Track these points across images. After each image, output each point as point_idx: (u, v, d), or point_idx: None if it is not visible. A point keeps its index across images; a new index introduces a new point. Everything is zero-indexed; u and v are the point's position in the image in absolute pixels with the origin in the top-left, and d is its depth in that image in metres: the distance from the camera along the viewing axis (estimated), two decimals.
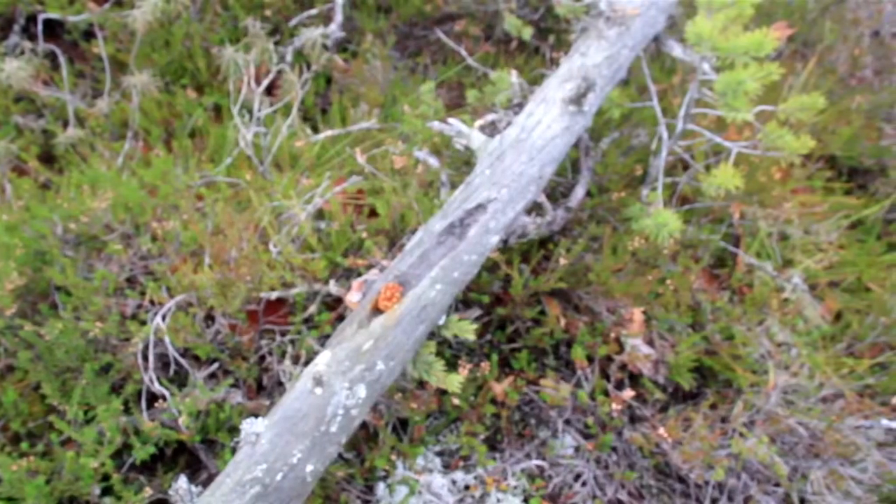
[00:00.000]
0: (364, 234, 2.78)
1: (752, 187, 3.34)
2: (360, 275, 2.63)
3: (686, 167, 3.59)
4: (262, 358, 2.86)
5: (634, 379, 3.03)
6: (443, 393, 2.90)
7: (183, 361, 2.63)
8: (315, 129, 3.64)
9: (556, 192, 3.39)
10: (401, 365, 2.27)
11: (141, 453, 2.42)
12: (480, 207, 2.47)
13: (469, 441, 2.73)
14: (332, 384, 2.13)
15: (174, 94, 3.98)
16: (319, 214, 3.14)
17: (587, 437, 2.93)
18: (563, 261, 2.68)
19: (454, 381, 2.40)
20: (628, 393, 2.65)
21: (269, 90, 4.03)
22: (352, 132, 3.46)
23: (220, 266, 2.62)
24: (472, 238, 2.43)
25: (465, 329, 2.44)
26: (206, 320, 2.72)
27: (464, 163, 3.19)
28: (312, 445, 2.07)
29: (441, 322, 2.40)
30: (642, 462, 2.97)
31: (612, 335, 3.06)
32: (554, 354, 3.08)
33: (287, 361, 2.80)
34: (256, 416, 2.55)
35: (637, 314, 3.14)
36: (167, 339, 2.60)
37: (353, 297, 2.40)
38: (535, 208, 2.89)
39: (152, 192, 3.17)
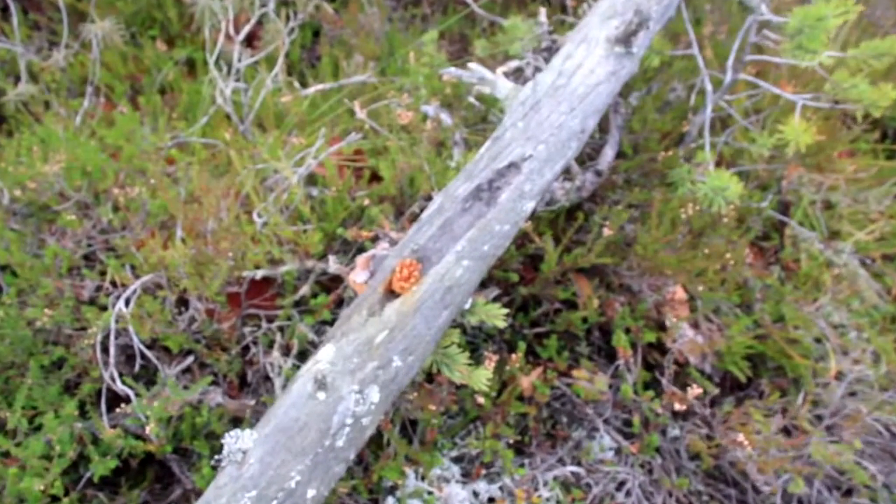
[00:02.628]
0: (366, 202, 2.33)
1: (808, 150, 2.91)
2: (362, 250, 2.18)
3: (725, 126, 3.15)
4: (246, 349, 2.42)
5: (678, 368, 2.61)
6: (458, 387, 2.48)
7: (150, 355, 2.17)
8: (304, 85, 3.16)
9: (581, 153, 2.94)
10: (420, 360, 1.83)
11: (99, 468, 1.97)
12: (513, 167, 2.02)
13: (492, 445, 2.30)
14: (338, 387, 1.69)
15: (141, 48, 3.48)
16: (311, 180, 2.68)
17: (628, 437, 2.51)
18: (607, 231, 2.24)
19: (481, 378, 1.96)
20: (694, 391, 2.22)
21: (250, 42, 3.55)
22: (346, 87, 2.99)
23: (194, 240, 2.16)
24: (504, 204, 1.98)
25: (495, 314, 2.01)
26: (179, 305, 2.26)
27: (480, 119, 2.74)
28: (314, 465, 1.63)
29: (467, 306, 1.96)
30: (688, 465, 2.56)
31: (655, 318, 2.64)
32: (586, 341, 2.64)
33: (275, 353, 2.36)
34: (240, 419, 2.11)
35: (680, 293, 2.72)
36: (131, 329, 2.14)
37: (358, 277, 1.95)
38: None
39: (115, 155, 2.69)
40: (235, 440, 1.67)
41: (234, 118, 2.85)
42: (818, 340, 2.82)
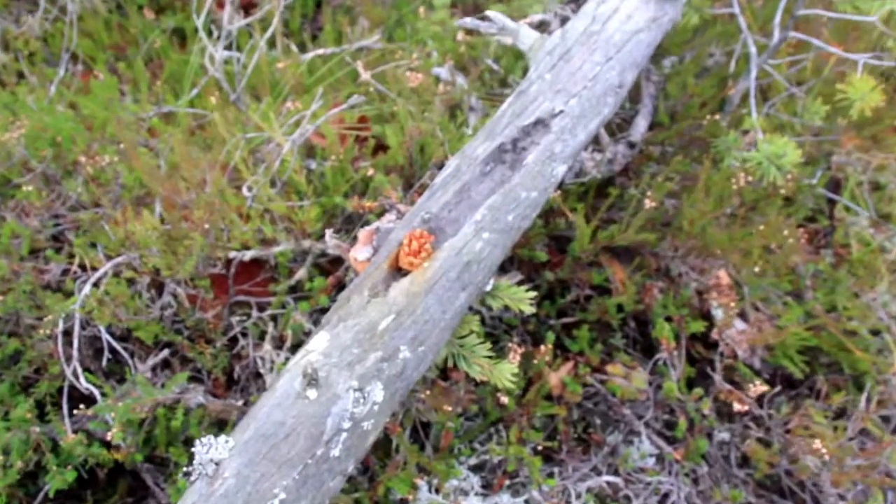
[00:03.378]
0: (370, 171, 2.01)
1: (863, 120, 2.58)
2: (367, 224, 1.87)
3: (765, 99, 2.82)
4: (233, 341, 2.12)
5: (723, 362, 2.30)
6: (477, 385, 2.17)
7: (119, 347, 1.87)
8: (303, 51, 2.86)
9: (610, 124, 2.63)
10: (433, 351, 1.53)
11: (56, 481, 1.67)
12: (541, 124, 1.71)
13: (517, 451, 1.99)
14: (334, 383, 1.38)
15: (127, 17, 3.19)
16: (310, 153, 2.38)
17: (671, 441, 2.20)
18: (648, 203, 1.92)
19: (505, 373, 1.65)
20: (757, 388, 1.90)
21: (246, 12, 3.25)
22: (349, 51, 2.68)
23: (173, 216, 1.86)
24: (532, 167, 1.67)
25: (521, 298, 1.69)
26: (153, 289, 1.96)
27: (499, 83, 2.43)
28: (303, 479, 1.33)
29: (488, 288, 1.65)
30: (737, 473, 2.25)
31: (698, 306, 2.32)
32: (620, 332, 2.33)
33: (267, 345, 2.05)
34: (225, 422, 1.80)
35: (724, 277, 2.40)
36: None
37: (359, 254, 1.65)
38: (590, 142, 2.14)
39: (90, 125, 2.39)
40: (207, 449, 1.37)
41: (225, 87, 2.54)
42: (875, 332, 2.49)
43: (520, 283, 2.01)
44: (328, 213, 2.16)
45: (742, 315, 2.41)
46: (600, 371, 2.24)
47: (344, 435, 1.38)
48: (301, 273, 2.14)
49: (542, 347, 2.06)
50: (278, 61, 2.69)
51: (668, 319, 2.25)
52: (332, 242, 1.73)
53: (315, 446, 1.35)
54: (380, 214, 1.91)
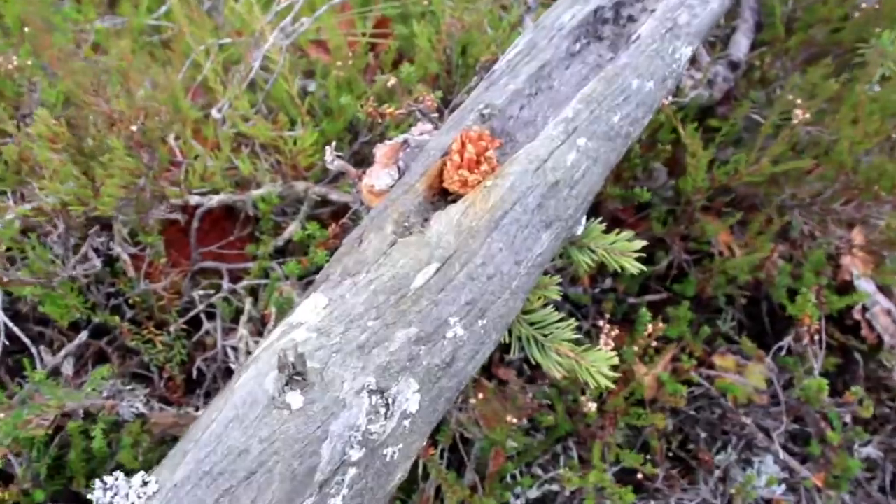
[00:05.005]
0: (391, 81, 1.39)
1: None
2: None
3: None
4: (195, 324, 1.51)
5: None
6: (529, 380, 1.57)
7: (18, 331, 1.26)
8: None
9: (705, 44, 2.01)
10: (500, 327, 0.92)
11: None
12: None
13: (598, 478, 1.37)
14: (334, 380, 0.78)
15: None
16: (308, 74, 1.77)
17: (803, 459, 1.58)
18: (801, 114, 1.30)
19: (602, 364, 1.06)
20: None
21: None
22: None
23: (94, 130, 1.24)
24: (644, 45, 1.07)
25: (624, 249, 1.09)
26: (66, 242, 1.35)
27: None
28: None
29: (579, 230, 1.04)
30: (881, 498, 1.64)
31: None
32: (730, 311, 1.72)
33: (242, 329, 1.45)
34: (177, 441, 1.18)
35: (858, 237, 1.78)
36: None
37: (377, 180, 1.05)
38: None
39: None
40: (112, 496, 0.76)
41: None
42: None
43: None
44: (327, 142, 1.54)
45: (883, 290, 1.80)
46: (703, 363, 1.63)
47: (351, 472, 0.77)
48: (292, 229, 1.53)
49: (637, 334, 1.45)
50: None
51: (795, 295, 1.64)
52: (333, 161, 1.12)
53: (301, 492, 0.74)
54: (403, 126, 1.29)
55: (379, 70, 1.62)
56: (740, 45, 1.95)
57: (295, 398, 0.77)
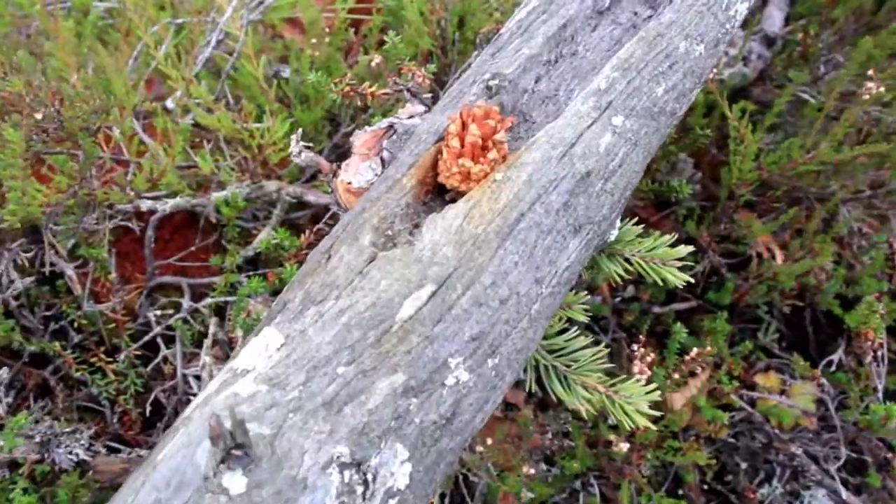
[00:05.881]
0: (376, 60, 1.16)
1: None
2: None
3: None
4: (152, 349, 1.29)
5: None
6: (541, 404, 1.35)
7: None
8: None
9: None
10: (516, 366, 0.69)
11: None
12: None
13: None
14: (292, 449, 0.54)
15: None
16: (283, 58, 1.54)
17: (859, 491, 1.36)
18: (873, 88, 1.07)
19: (639, 403, 0.83)
20: None
21: None
22: None
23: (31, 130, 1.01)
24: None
25: (668, 257, 0.86)
26: None
27: None
28: None
29: (613, 233, 0.81)
30: None
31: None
32: (771, 322, 1.50)
33: (206, 356, 1.22)
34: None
35: None
36: None
37: (354, 176, 0.82)
38: None
39: None
40: None
41: None
42: None
43: None
44: (306, 139, 1.32)
45: None
46: (743, 382, 1.40)
47: None
48: (263, 236, 1.30)
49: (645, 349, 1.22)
50: None
51: (846, 302, 1.42)
52: (300, 153, 0.89)
53: None
54: (385, 115, 1.06)
55: (362, 50, 1.39)
56: (774, 19, 1.73)
57: (235, 480, 0.55)
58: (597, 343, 1.44)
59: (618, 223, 0.83)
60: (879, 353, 1.30)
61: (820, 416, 1.43)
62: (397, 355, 0.61)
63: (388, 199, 0.69)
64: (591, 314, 1.46)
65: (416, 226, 0.68)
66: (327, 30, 1.31)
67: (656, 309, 1.51)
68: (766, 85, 1.59)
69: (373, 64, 1.20)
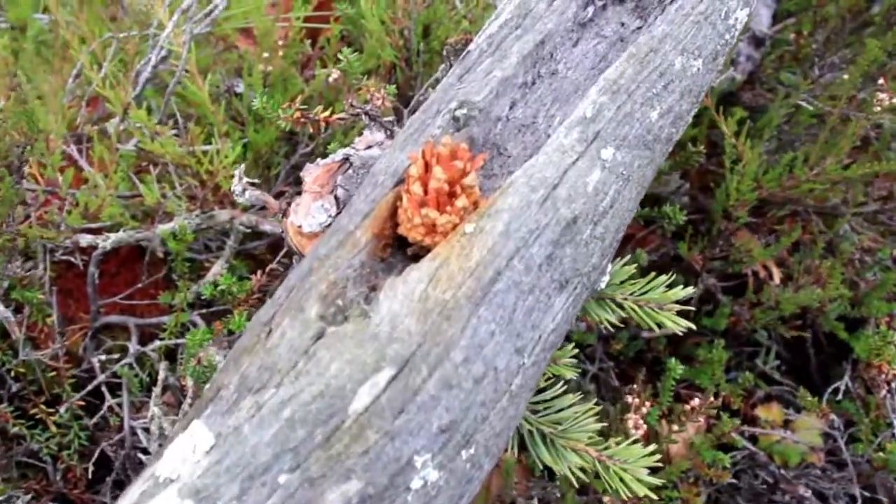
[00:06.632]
0: (333, 75, 1.05)
1: None
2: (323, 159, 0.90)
3: None
4: (97, 397, 1.17)
5: None
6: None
7: None
8: None
9: None
10: (493, 454, 0.57)
11: None
12: None
13: None
14: None
15: None
16: (238, 70, 1.42)
17: None
18: (885, 100, 0.96)
19: (638, 468, 0.73)
20: None
21: None
22: None
23: None
24: (690, 3, 0.73)
25: (669, 300, 0.76)
26: None
27: None
28: None
29: (604, 282, 0.70)
30: None
31: None
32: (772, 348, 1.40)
33: (155, 408, 1.10)
34: None
35: None
36: None
37: (305, 219, 0.71)
38: None
39: None
40: None
41: None
42: None
43: None
44: (262, 162, 1.20)
45: None
46: (745, 418, 1.30)
47: None
48: (216, 269, 1.18)
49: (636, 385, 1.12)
50: None
51: (851, 323, 1.33)
52: (246, 194, 0.78)
53: None
54: (346, 140, 0.95)
55: (319, 63, 1.27)
56: (762, 17, 1.64)
57: None
58: (584, 374, 1.33)
59: (609, 268, 0.72)
60: (894, 385, 1.20)
61: (829, 450, 1.33)
62: (351, 458, 0.50)
63: (339, 257, 0.58)
64: (576, 341, 1.37)
65: (375, 288, 0.57)
66: (280, 42, 1.19)
67: (645, 333, 1.41)
68: (757, 88, 1.49)
69: (330, 79, 1.08)
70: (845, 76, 1.16)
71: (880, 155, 1.21)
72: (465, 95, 0.65)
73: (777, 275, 1.39)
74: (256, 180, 0.85)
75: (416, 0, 1.12)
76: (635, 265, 0.81)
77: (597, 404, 1.37)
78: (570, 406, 0.80)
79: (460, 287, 0.55)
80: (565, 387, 0.81)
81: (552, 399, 0.80)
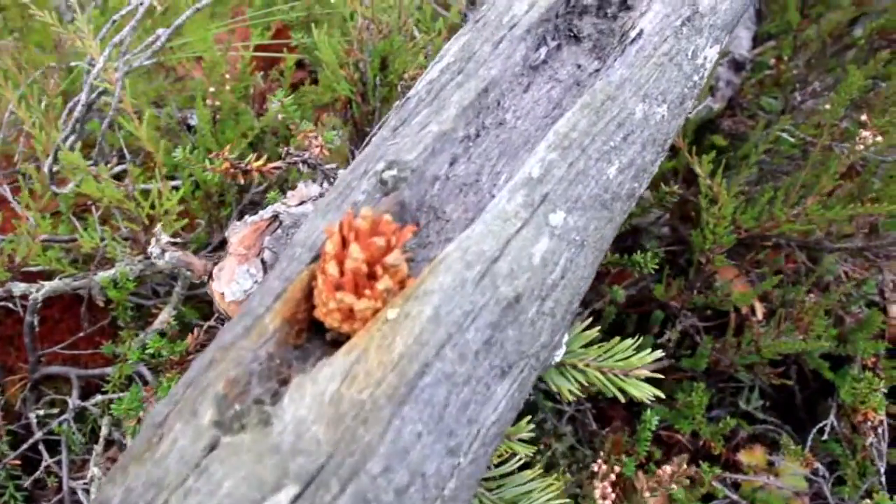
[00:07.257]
0: (282, 115, 0.97)
1: None
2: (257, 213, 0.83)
3: None
4: (35, 455, 1.09)
5: None
6: None
7: None
8: None
9: None
10: None
11: None
12: None
13: None
14: None
15: None
16: (189, 100, 1.35)
17: None
18: (869, 139, 0.89)
19: None
20: None
21: None
22: None
23: None
24: (652, 43, 0.66)
25: (635, 365, 0.69)
26: None
27: None
28: None
29: (559, 355, 0.63)
30: None
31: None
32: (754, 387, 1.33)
33: (95, 468, 1.03)
34: None
35: None
36: None
37: (227, 286, 0.63)
38: None
39: None
40: None
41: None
42: None
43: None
44: (212, 201, 1.13)
45: None
46: (727, 463, 1.23)
47: None
48: (164, 317, 1.10)
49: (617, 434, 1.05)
50: None
51: (836, 360, 1.26)
52: (166, 256, 0.71)
53: None
54: (281, 191, 0.88)
55: (273, 95, 1.20)
56: (742, 40, 1.58)
57: None
58: (560, 415, 1.26)
59: (566, 338, 0.65)
60: (880, 430, 1.13)
61: (813, 494, 1.26)
62: None
63: (243, 348, 0.50)
64: (543, 389, 1.30)
65: (286, 381, 0.50)
66: (228, 76, 1.12)
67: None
68: (737, 115, 1.42)
69: (280, 116, 1.01)
70: (827, 106, 1.09)
71: (865, 185, 1.14)
72: (397, 154, 0.58)
73: (760, 310, 1.32)
74: (178, 240, 0.77)
75: (373, 31, 1.05)
76: (598, 329, 0.74)
77: (573, 448, 1.30)
78: (528, 481, 0.73)
79: (380, 384, 0.48)
80: (523, 460, 0.74)
81: (509, 474, 0.73)
